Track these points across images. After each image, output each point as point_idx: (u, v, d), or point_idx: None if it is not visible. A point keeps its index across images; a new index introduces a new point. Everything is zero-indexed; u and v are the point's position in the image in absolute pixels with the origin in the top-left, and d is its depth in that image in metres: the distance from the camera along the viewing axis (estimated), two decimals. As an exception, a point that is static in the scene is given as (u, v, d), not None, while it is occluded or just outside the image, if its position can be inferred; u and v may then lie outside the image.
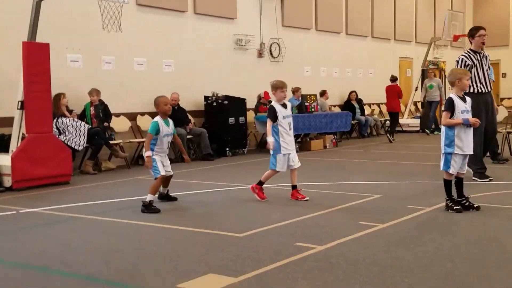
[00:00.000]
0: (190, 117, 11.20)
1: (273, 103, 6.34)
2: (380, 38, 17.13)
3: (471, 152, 5.50)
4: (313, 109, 12.27)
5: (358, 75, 16.31)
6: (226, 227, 5.10)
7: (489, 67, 7.56)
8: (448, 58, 19.96)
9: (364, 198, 6.30)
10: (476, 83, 7.40)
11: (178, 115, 10.78)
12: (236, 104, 11.44)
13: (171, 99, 10.67)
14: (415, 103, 17.99)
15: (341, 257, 4.06)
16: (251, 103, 12.41)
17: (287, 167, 6.30)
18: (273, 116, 6.23)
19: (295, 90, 12.99)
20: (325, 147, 12.57)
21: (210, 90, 11.47)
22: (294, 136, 11.81)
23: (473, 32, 7.56)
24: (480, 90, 7.41)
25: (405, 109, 17.10)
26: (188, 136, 10.62)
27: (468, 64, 7.37)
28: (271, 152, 6.28)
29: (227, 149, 11.23)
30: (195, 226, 5.15)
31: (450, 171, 5.43)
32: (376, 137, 15.32)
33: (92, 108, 9.56)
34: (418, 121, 16.35)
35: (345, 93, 15.43)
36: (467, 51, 7.57)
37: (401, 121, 16.24)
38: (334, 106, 15.09)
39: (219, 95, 11.35)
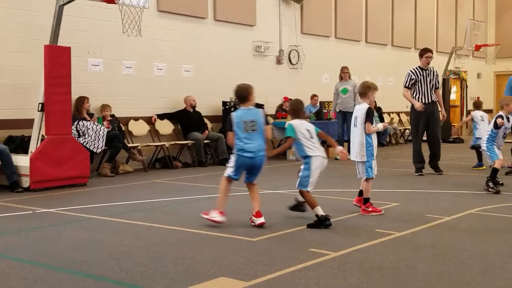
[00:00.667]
0: (207, 121, 11.22)
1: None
2: (400, 47, 17.02)
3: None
4: (331, 116, 12.21)
5: (378, 83, 16.11)
6: (239, 231, 5.07)
7: (437, 81, 8.92)
8: (469, 67, 19.75)
9: (381, 206, 6.21)
10: (418, 95, 8.82)
11: (194, 119, 10.83)
12: (254, 110, 11.40)
13: (191, 100, 10.75)
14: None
15: (355, 264, 4.00)
16: (269, 109, 12.41)
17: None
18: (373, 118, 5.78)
19: (312, 97, 12.97)
20: (343, 154, 12.45)
21: (229, 96, 11.49)
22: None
23: (422, 53, 8.98)
24: (421, 101, 8.74)
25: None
26: (206, 141, 10.64)
27: (413, 78, 8.83)
28: (366, 159, 5.73)
29: (244, 154, 11.19)
30: (209, 230, 5.13)
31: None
32: (395, 146, 15.18)
33: (105, 123, 9.56)
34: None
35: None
36: (415, 67, 8.91)
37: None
38: (353, 114, 14.97)
39: (236, 100, 11.33)
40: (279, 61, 13.10)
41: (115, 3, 7.85)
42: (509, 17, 20.92)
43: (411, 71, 8.94)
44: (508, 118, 7.46)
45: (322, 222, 5.16)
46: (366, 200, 5.83)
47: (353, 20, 15.27)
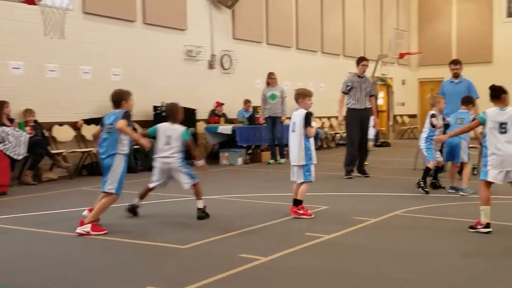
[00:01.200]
0: (138, 126, 10.96)
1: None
2: (330, 54, 17.41)
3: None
4: (263, 121, 12.28)
5: (309, 88, 16.44)
6: (170, 239, 4.96)
7: (372, 89, 9.45)
8: (394, 74, 20.52)
9: (312, 209, 6.27)
10: (353, 100, 9.21)
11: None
12: (186, 115, 11.19)
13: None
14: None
15: (284, 268, 4.00)
16: (201, 114, 12.31)
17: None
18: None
19: (245, 102, 13.02)
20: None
21: (160, 100, 11.29)
22: (245, 147, 11.99)
23: (358, 61, 9.39)
24: (355, 107, 9.20)
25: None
26: (135, 147, 10.37)
27: (349, 85, 9.21)
28: (304, 162, 5.81)
29: (176, 160, 11.04)
30: (137, 238, 4.98)
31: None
32: (327, 150, 15.48)
33: (27, 128, 9.10)
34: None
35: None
36: (352, 74, 9.36)
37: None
38: (286, 118, 15.15)
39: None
40: (211, 66, 13.04)
41: (36, 4, 7.50)
42: (430, 27, 21.93)
43: (347, 77, 9.34)
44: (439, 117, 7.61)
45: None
46: (299, 202, 5.88)
47: (284, 27, 15.47)
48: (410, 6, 22.02)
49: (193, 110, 11.56)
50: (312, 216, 5.86)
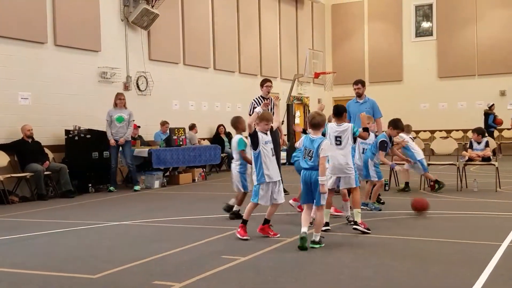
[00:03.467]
0: (48, 151, 10.52)
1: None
2: (247, 74, 17.64)
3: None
4: (181, 143, 12.19)
5: (227, 109, 16.58)
6: (79, 269, 4.76)
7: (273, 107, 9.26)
8: (310, 93, 21.13)
9: (228, 232, 6.27)
10: None
11: (32, 149, 10.13)
12: (100, 138, 10.98)
13: (26, 129, 9.98)
14: (282, 136, 18.63)
15: (198, 294, 3.96)
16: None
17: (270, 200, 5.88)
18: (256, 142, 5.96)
19: (162, 124, 12.88)
20: (193, 180, 12.49)
21: (72, 124, 10.91)
22: (162, 169, 11.80)
23: (262, 83, 9.33)
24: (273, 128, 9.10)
25: (273, 142, 17.62)
26: (46, 172, 9.94)
27: (255, 107, 8.84)
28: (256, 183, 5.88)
29: (90, 185, 10.68)
30: (45, 269, 4.74)
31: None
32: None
33: None
34: (285, 153, 16.96)
35: (214, 126, 15.58)
36: (258, 96, 9.24)
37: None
38: (204, 139, 15.14)
39: (81, 128, 10.81)
40: (126, 88, 12.79)
41: None
42: (344, 47, 22.85)
43: (254, 100, 9.25)
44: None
45: None
46: (245, 222, 5.89)
47: (201, 47, 15.51)
48: (324, 27, 22.84)
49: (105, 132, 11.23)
50: (246, 237, 5.79)
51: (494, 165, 9.69)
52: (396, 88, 21.57)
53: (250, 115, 9.26)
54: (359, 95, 9.18)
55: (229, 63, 16.75)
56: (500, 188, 9.59)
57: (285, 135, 18.21)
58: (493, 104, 18.39)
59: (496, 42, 19.94)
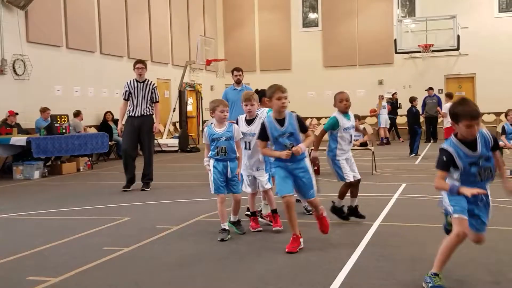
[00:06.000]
0: None
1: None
2: (137, 59, 17.07)
3: None
4: (64, 130, 11.54)
5: (115, 95, 15.98)
6: None
7: (155, 95, 8.77)
8: (203, 80, 21.02)
9: (113, 222, 6.05)
10: (131, 107, 8.68)
11: None
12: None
13: None
14: (173, 124, 18.41)
15: (76, 288, 3.76)
16: (-10, 124, 11.13)
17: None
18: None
19: (43, 111, 12.13)
20: (78, 170, 11.90)
21: None
22: (44, 159, 11.06)
23: (134, 64, 8.82)
24: (131, 114, 8.67)
25: (164, 129, 17.36)
26: None
27: (127, 90, 8.67)
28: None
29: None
30: None
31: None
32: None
33: None
34: (176, 141, 16.77)
35: (102, 113, 14.97)
36: (132, 79, 8.74)
37: (160, 141, 16.44)
38: (90, 127, 14.49)
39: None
40: (1, 72, 11.85)
41: None
42: (235, 34, 22.94)
43: (127, 83, 8.73)
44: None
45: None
46: (253, 213, 5.63)
47: (86, 30, 14.74)
48: (216, 14, 22.77)
49: (-18, 120, 10.37)
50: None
51: (370, 149, 10.47)
52: (285, 77, 21.95)
53: (124, 99, 8.78)
54: (239, 82, 9.20)
55: (117, 47, 16.13)
56: (376, 171, 10.26)
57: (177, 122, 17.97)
58: (395, 92, 19.68)
59: (375, 34, 21.10)
